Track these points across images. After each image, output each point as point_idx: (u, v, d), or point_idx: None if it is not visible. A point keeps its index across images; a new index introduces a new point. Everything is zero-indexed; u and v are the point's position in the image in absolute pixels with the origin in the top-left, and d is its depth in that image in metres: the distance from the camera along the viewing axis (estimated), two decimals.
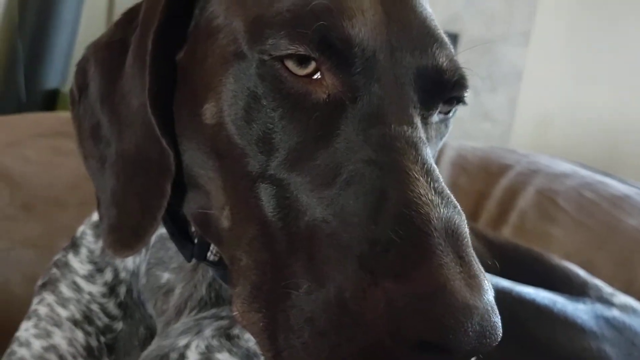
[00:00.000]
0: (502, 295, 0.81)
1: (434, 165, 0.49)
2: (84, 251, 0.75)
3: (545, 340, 0.79)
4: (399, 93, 0.51)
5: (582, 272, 0.98)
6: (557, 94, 3.67)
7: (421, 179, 0.46)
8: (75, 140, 0.66)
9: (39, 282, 0.76)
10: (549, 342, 0.79)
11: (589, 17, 3.68)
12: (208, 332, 0.67)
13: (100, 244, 0.75)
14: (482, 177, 1.52)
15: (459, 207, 0.47)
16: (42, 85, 2.77)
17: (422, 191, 0.45)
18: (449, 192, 0.48)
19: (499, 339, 0.43)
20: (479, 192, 1.47)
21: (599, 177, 1.57)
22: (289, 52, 0.50)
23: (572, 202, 1.43)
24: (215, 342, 0.67)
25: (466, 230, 0.46)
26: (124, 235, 0.60)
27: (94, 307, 0.73)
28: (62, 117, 1.52)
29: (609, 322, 0.83)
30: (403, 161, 0.47)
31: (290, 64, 0.51)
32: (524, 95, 3.64)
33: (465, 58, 0.61)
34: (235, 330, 0.67)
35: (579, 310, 0.83)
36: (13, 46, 2.61)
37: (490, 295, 0.43)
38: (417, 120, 0.51)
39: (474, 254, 0.45)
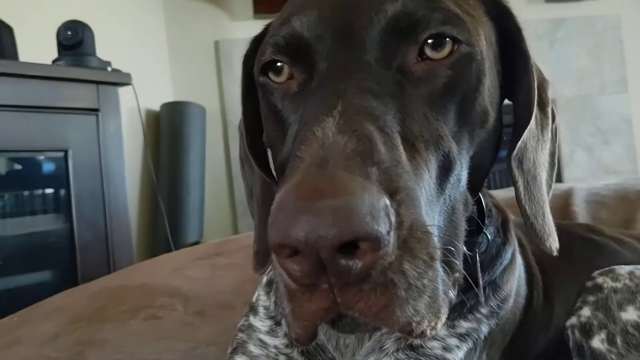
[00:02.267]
0: None
1: (361, 105, 0.51)
2: (261, 310, 0.81)
3: None
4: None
5: None
6: None
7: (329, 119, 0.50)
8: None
9: (229, 350, 0.82)
10: None
11: None
12: (391, 347, 0.69)
13: (273, 299, 0.81)
14: (622, 206, 1.48)
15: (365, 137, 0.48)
16: (185, 239, 3.03)
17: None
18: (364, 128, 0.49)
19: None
20: (623, 220, 1.43)
21: None
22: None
23: None
24: (401, 356, 0.68)
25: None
26: (260, 257, 0.75)
27: (282, 358, 0.77)
28: (212, 244, 1.67)
29: None
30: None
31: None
32: None
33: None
34: (417, 340, 0.68)
35: None
36: (155, 203, 2.91)
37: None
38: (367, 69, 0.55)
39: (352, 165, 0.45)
